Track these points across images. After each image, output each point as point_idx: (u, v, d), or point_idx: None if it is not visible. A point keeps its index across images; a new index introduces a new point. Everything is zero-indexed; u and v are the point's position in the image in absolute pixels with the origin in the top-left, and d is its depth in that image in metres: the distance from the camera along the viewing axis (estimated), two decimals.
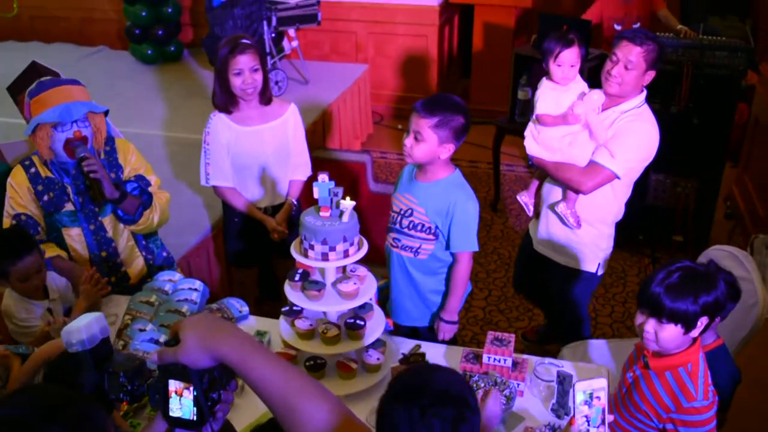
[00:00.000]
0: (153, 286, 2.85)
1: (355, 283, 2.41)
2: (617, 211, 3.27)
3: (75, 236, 2.95)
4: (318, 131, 5.58)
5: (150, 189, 2.99)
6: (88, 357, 1.59)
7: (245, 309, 2.93)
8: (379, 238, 3.13)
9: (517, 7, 6.73)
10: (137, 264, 3.11)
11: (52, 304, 2.76)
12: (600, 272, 3.37)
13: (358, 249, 2.41)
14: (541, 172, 3.40)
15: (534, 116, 3.23)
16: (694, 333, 2.14)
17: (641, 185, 4.73)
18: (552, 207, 3.27)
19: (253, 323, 2.90)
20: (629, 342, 3.35)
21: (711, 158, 4.61)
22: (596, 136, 3.04)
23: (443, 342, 2.90)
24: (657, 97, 4.48)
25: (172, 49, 6.73)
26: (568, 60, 3.10)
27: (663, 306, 2.10)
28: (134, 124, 5.31)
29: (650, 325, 2.16)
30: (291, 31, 6.02)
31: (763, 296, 2.89)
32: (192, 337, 1.36)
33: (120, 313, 2.89)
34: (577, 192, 3.13)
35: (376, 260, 3.05)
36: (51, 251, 2.90)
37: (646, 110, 3.12)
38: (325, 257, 2.35)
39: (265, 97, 3.34)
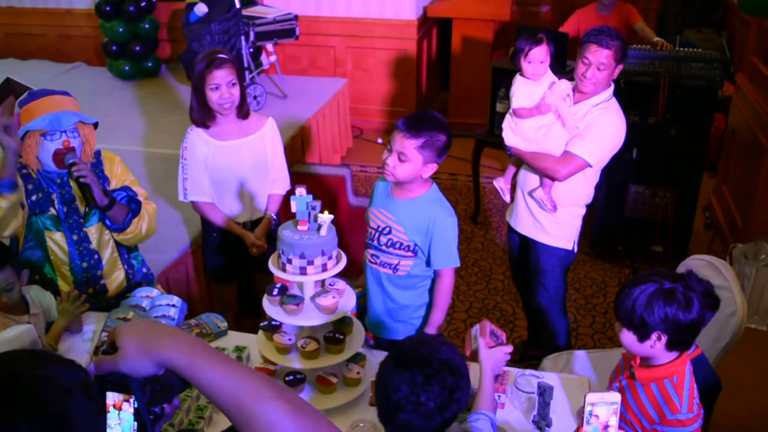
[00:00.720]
0: (130, 303, 2.81)
1: (333, 297, 2.39)
2: (588, 193, 3.49)
3: (58, 241, 2.90)
4: (297, 146, 5.56)
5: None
6: None
7: (224, 324, 2.90)
8: (358, 252, 3.11)
9: (495, 21, 6.77)
10: (117, 277, 3.06)
11: (33, 319, 2.71)
12: (575, 249, 3.57)
13: (337, 262, 2.39)
14: (516, 160, 3.58)
15: (510, 110, 3.40)
16: (653, 345, 2.12)
17: (620, 196, 4.78)
18: (531, 193, 3.44)
19: (233, 339, 2.87)
20: (611, 353, 3.36)
21: (689, 169, 4.64)
22: (565, 122, 3.25)
23: None
24: (635, 108, 4.52)
25: (150, 64, 6.70)
26: (537, 57, 3.27)
27: (617, 305, 2.16)
28: (112, 139, 5.27)
29: (617, 325, 2.19)
30: (269, 46, 6.01)
31: (741, 305, 2.90)
32: (131, 342, 1.26)
33: (96, 329, 2.86)
34: (552, 179, 3.34)
35: (354, 273, 3.03)
36: None
37: (614, 103, 3.34)
38: (303, 271, 2.33)
39: (243, 111, 3.32)
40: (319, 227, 2.35)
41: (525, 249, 3.70)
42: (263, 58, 6.09)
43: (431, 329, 2.95)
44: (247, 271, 3.62)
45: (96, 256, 2.96)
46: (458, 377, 1.80)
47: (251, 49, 5.77)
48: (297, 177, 5.35)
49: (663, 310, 2.08)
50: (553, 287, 3.64)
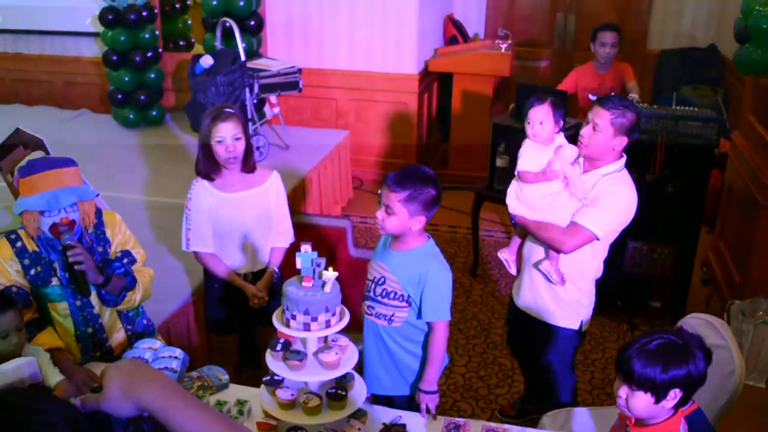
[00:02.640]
0: (133, 355, 2.83)
1: (336, 353, 2.41)
2: (597, 268, 3.36)
3: (61, 311, 2.92)
4: (298, 197, 5.62)
5: (135, 265, 2.99)
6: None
7: (225, 377, 2.91)
8: (357, 305, 3.14)
9: (495, 76, 6.88)
10: (118, 337, 3.08)
11: None
12: (583, 329, 3.45)
13: (340, 319, 2.42)
14: (521, 230, 3.48)
15: (516, 173, 3.31)
16: (667, 404, 2.15)
17: (619, 252, 4.81)
18: (536, 265, 3.34)
19: (234, 392, 2.87)
20: (612, 410, 3.35)
21: (687, 225, 4.69)
22: (573, 187, 3.15)
23: (427, 412, 2.87)
24: (633, 166, 4.55)
25: (155, 113, 6.79)
26: (536, 117, 3.21)
27: (632, 371, 2.12)
28: (116, 188, 5.34)
29: (623, 391, 2.19)
30: (273, 98, 6.10)
31: (740, 364, 2.92)
32: (114, 384, 1.28)
33: None
34: (557, 251, 3.22)
35: (354, 327, 3.05)
36: (49, 339, 2.85)
37: (626, 175, 3.25)
38: (307, 327, 2.36)
39: (248, 165, 3.39)
40: (324, 284, 2.38)
41: (528, 326, 3.56)
42: (266, 109, 6.18)
43: (426, 385, 2.93)
44: (247, 324, 3.63)
45: (100, 321, 2.98)
46: None
47: (255, 101, 5.86)
48: (298, 227, 5.39)
49: (686, 367, 2.09)
50: (565, 370, 3.54)
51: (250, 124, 5.79)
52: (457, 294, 2.92)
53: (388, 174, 2.79)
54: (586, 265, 3.31)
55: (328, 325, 2.38)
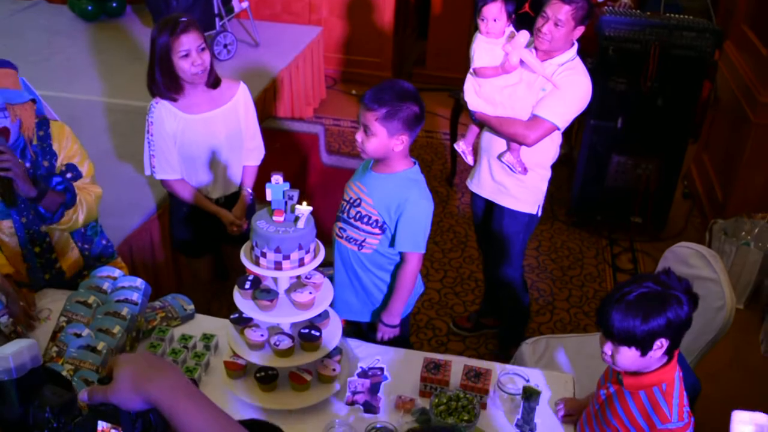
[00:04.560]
0: (91, 284, 2.63)
1: (310, 293, 2.23)
2: (554, 154, 3.40)
3: (6, 230, 2.68)
4: (269, 98, 5.34)
5: (81, 181, 2.71)
6: (14, 388, 1.44)
7: (190, 307, 2.73)
8: (330, 216, 2.95)
9: None
10: (71, 256, 2.86)
11: None
12: (539, 213, 3.50)
13: (314, 257, 2.23)
14: (478, 122, 3.46)
15: (471, 70, 3.27)
16: (654, 354, 2.03)
17: (602, 167, 4.66)
18: (499, 157, 3.31)
19: (201, 323, 2.71)
20: (591, 338, 3.27)
21: (674, 141, 4.53)
22: (535, 70, 3.13)
23: (381, 342, 2.74)
24: (622, 76, 4.37)
25: (114, 5, 6.31)
26: (489, 14, 3.16)
27: (612, 326, 2.00)
28: (73, 88, 5.02)
29: (607, 347, 2.07)
30: None
31: (730, 299, 2.82)
32: (125, 377, 1.23)
33: (54, 308, 2.68)
34: (521, 144, 3.23)
35: (328, 240, 2.87)
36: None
37: (579, 63, 3.23)
38: (278, 266, 2.17)
39: (211, 79, 3.08)
40: (297, 219, 2.18)
41: (489, 214, 3.60)
42: (234, 2, 5.78)
43: (388, 317, 2.79)
44: (219, 245, 3.43)
45: (47, 239, 2.75)
46: None
47: None
48: (268, 133, 5.16)
49: (664, 315, 1.97)
50: (516, 254, 3.56)
51: (216, 19, 5.43)
52: (434, 204, 2.73)
53: (365, 92, 2.55)
54: (544, 153, 3.34)
55: (301, 263, 2.19)
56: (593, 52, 4.54)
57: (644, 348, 2.00)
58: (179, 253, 3.61)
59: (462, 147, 3.61)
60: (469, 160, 3.63)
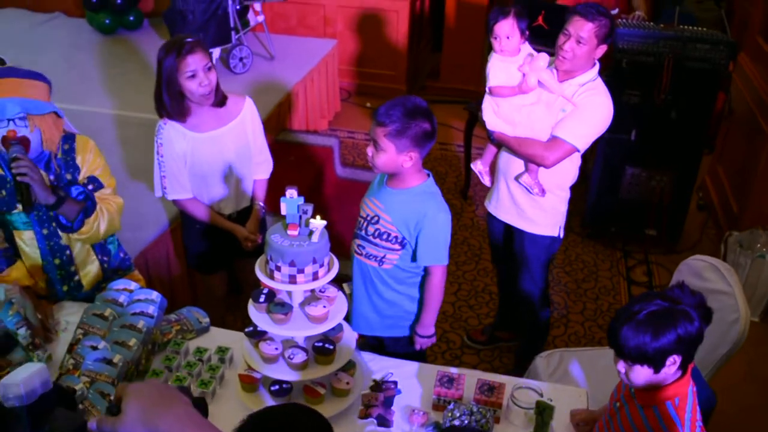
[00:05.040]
0: (107, 297, 2.66)
1: (324, 306, 2.25)
2: (573, 176, 3.35)
3: (27, 240, 2.72)
4: (284, 112, 5.37)
5: (102, 192, 2.75)
6: (25, 413, 1.45)
7: (206, 320, 2.76)
8: (344, 229, 2.96)
9: None
10: (91, 269, 2.89)
11: None
12: (561, 235, 3.44)
13: (328, 270, 2.25)
14: (496, 142, 3.41)
15: (488, 89, 3.23)
16: (668, 371, 2.03)
17: (616, 178, 4.66)
18: (517, 178, 3.28)
19: (216, 336, 2.73)
20: (605, 351, 3.26)
21: (688, 152, 4.53)
22: (553, 90, 3.08)
23: (396, 355, 2.74)
24: (636, 89, 4.37)
25: (132, 18, 6.41)
26: (502, 32, 3.11)
27: (624, 347, 2.00)
28: (90, 101, 5.08)
29: (621, 365, 2.07)
30: (257, 5, 5.76)
31: (745, 312, 2.80)
32: (134, 409, 1.24)
33: (71, 320, 2.71)
34: (539, 165, 3.19)
35: (343, 254, 2.89)
36: (18, 275, 2.73)
37: (601, 83, 3.18)
38: (293, 280, 2.19)
39: (218, 98, 3.08)
40: (311, 233, 2.20)
41: (508, 235, 3.56)
42: (250, 15, 5.84)
43: (423, 329, 2.85)
44: (233, 259, 3.45)
45: (68, 252, 2.79)
46: None
47: (238, 7, 5.52)
48: (283, 146, 5.21)
49: (674, 333, 1.96)
50: (539, 273, 3.54)
51: (233, 33, 5.48)
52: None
53: (378, 107, 2.57)
54: (563, 175, 3.29)
55: (315, 277, 2.21)
56: (607, 65, 4.55)
57: (657, 365, 2.00)
58: (194, 269, 3.63)
59: (479, 167, 3.54)
60: (486, 181, 3.56)
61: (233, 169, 3.20)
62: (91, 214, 2.67)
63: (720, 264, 2.92)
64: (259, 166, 3.31)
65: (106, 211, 2.73)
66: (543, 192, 3.24)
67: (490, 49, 4.37)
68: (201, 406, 1.44)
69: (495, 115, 3.25)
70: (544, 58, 3.07)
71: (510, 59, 3.15)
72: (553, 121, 3.13)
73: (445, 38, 6.86)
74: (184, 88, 2.97)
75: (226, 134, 3.13)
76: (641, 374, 2.02)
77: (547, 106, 3.14)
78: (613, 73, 4.39)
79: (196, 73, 2.94)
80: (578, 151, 3.15)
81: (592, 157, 5.01)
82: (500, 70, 3.17)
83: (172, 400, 1.27)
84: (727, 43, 4.22)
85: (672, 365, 2.01)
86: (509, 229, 3.50)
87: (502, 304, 4.02)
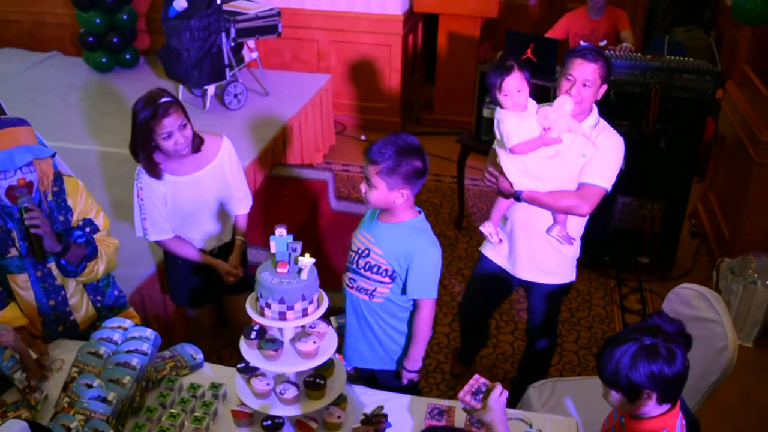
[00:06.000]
0: (102, 335, 2.69)
1: (314, 342, 2.28)
2: (586, 219, 3.33)
3: (21, 283, 2.77)
4: (278, 146, 5.43)
5: (99, 235, 2.82)
6: None
7: (199, 356, 2.79)
8: (338, 261, 2.98)
9: (483, 17, 6.63)
10: (84, 310, 2.93)
11: None
12: (575, 278, 3.46)
13: (318, 307, 2.29)
14: (502, 194, 3.31)
15: (509, 151, 3.11)
16: (644, 404, 2.05)
17: (607, 208, 4.70)
18: (548, 231, 3.23)
19: (209, 372, 2.76)
20: (598, 379, 3.27)
21: (678, 180, 4.57)
22: (576, 132, 3.01)
23: (388, 389, 2.77)
24: (625, 119, 4.43)
25: (128, 56, 6.50)
26: (513, 87, 3.02)
27: (602, 368, 2.06)
28: (86, 140, 5.14)
29: (602, 386, 2.11)
30: (251, 42, 5.85)
31: (733, 340, 2.83)
32: None
33: (66, 359, 2.74)
34: (576, 215, 3.17)
35: (336, 286, 2.93)
36: (12, 316, 2.77)
37: (605, 122, 3.20)
38: (282, 317, 2.22)
39: (194, 146, 3.10)
40: (300, 270, 2.24)
41: (515, 286, 3.54)
42: (245, 52, 5.93)
43: (410, 364, 2.87)
44: (217, 294, 3.49)
45: (62, 293, 2.83)
46: None
47: (232, 44, 5.61)
48: (278, 181, 5.27)
49: (648, 368, 2.00)
50: (555, 318, 3.57)
51: (227, 70, 5.56)
52: (442, 248, 2.78)
53: (370, 146, 2.62)
54: (581, 220, 3.29)
55: (305, 313, 2.24)
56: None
57: (630, 396, 2.04)
58: (178, 305, 3.66)
59: (489, 228, 3.39)
60: (496, 239, 3.41)
61: (213, 208, 3.26)
62: (94, 258, 2.74)
63: (707, 292, 2.95)
64: (239, 202, 3.35)
65: (104, 253, 2.79)
66: (572, 241, 3.23)
67: (483, 89, 4.33)
68: None
69: (522, 174, 3.15)
70: (569, 100, 2.99)
71: (521, 114, 3.07)
72: (576, 168, 3.10)
73: (438, 70, 6.94)
74: (160, 146, 3.01)
75: (205, 176, 3.18)
76: (616, 398, 2.07)
77: (565, 155, 3.10)
78: (602, 103, 4.44)
79: (172, 133, 2.97)
80: (608, 192, 3.14)
81: None
82: (516, 126, 3.07)
83: None
84: (713, 72, 4.28)
85: (647, 399, 2.04)
86: (518, 281, 3.46)
87: (464, 326, 4.00)
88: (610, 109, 4.38)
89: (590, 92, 3.05)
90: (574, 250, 3.34)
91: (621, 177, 4.49)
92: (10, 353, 2.51)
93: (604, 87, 3.11)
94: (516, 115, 3.06)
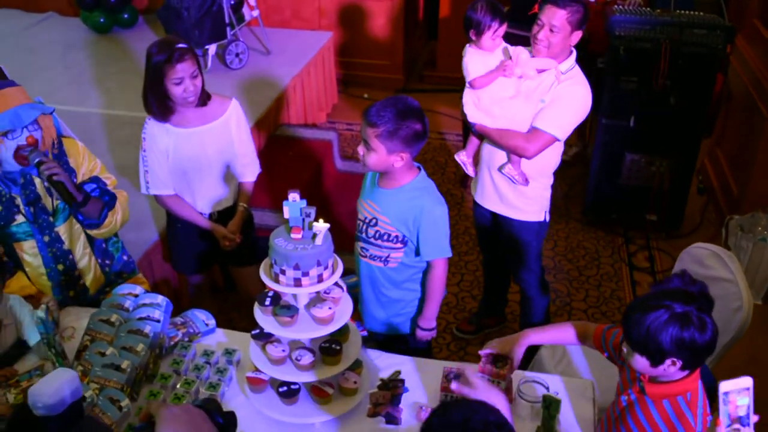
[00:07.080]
0: (113, 302, 2.67)
1: (330, 308, 2.26)
2: (555, 163, 3.37)
3: (29, 250, 2.74)
4: (281, 106, 5.36)
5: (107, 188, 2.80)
6: (53, 423, 1.47)
7: (212, 322, 2.77)
8: (347, 222, 2.96)
9: None
10: (93, 273, 2.91)
11: (2, 331, 2.56)
12: (547, 219, 3.49)
13: (333, 272, 2.26)
14: (478, 134, 3.44)
15: (468, 84, 3.28)
16: (668, 369, 2.03)
17: (616, 165, 4.66)
18: (500, 169, 3.31)
19: (222, 338, 2.74)
20: None
21: (687, 138, 4.53)
22: (548, 67, 3.13)
23: (403, 352, 2.75)
24: (634, 76, 4.37)
25: (126, 16, 6.38)
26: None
27: (629, 330, 2.02)
28: (87, 102, 5.08)
29: (625, 345, 2.08)
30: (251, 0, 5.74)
31: (747, 300, 2.81)
32: None
33: (77, 326, 2.72)
34: (521, 156, 3.22)
35: (346, 248, 2.91)
36: (19, 285, 2.74)
37: (579, 72, 3.20)
38: (297, 283, 2.19)
39: (203, 99, 3.11)
40: (314, 236, 2.20)
41: (495, 223, 3.59)
42: (245, 10, 5.82)
43: (425, 322, 2.88)
44: (216, 263, 3.47)
45: (71, 257, 2.80)
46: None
47: (232, 2, 5.50)
48: (282, 141, 5.21)
49: (680, 337, 1.96)
50: (532, 259, 3.57)
51: (228, 29, 5.47)
52: (449, 206, 2.76)
53: (369, 108, 2.56)
54: (546, 163, 3.31)
55: (320, 279, 2.21)
56: (604, 52, 4.55)
57: (654, 360, 2.01)
58: (178, 272, 3.65)
59: (462, 158, 3.57)
60: (470, 171, 3.59)
61: (213, 169, 3.23)
62: (113, 207, 2.73)
63: (722, 251, 2.92)
64: (245, 168, 3.32)
65: (118, 203, 2.78)
66: (526, 181, 3.28)
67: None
68: (231, 419, 1.45)
69: (475, 107, 3.28)
70: (523, 51, 3.14)
71: (486, 53, 3.24)
72: (533, 112, 3.16)
73: (440, 26, 6.83)
74: (169, 92, 3.00)
75: (208, 132, 3.15)
76: (639, 363, 2.04)
77: (527, 97, 3.17)
78: (610, 59, 4.39)
79: (183, 80, 2.97)
80: (558, 140, 3.18)
81: (591, 143, 5.03)
82: (479, 62, 3.23)
83: (203, 426, 1.31)
84: (723, 27, 4.21)
85: (671, 366, 2.02)
86: (496, 217, 3.54)
87: (487, 289, 4.07)
88: (619, 65, 4.36)
89: (558, 37, 3.07)
90: (540, 191, 3.37)
91: (629, 134, 4.50)
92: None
93: (578, 33, 3.12)
94: (482, 54, 3.24)
